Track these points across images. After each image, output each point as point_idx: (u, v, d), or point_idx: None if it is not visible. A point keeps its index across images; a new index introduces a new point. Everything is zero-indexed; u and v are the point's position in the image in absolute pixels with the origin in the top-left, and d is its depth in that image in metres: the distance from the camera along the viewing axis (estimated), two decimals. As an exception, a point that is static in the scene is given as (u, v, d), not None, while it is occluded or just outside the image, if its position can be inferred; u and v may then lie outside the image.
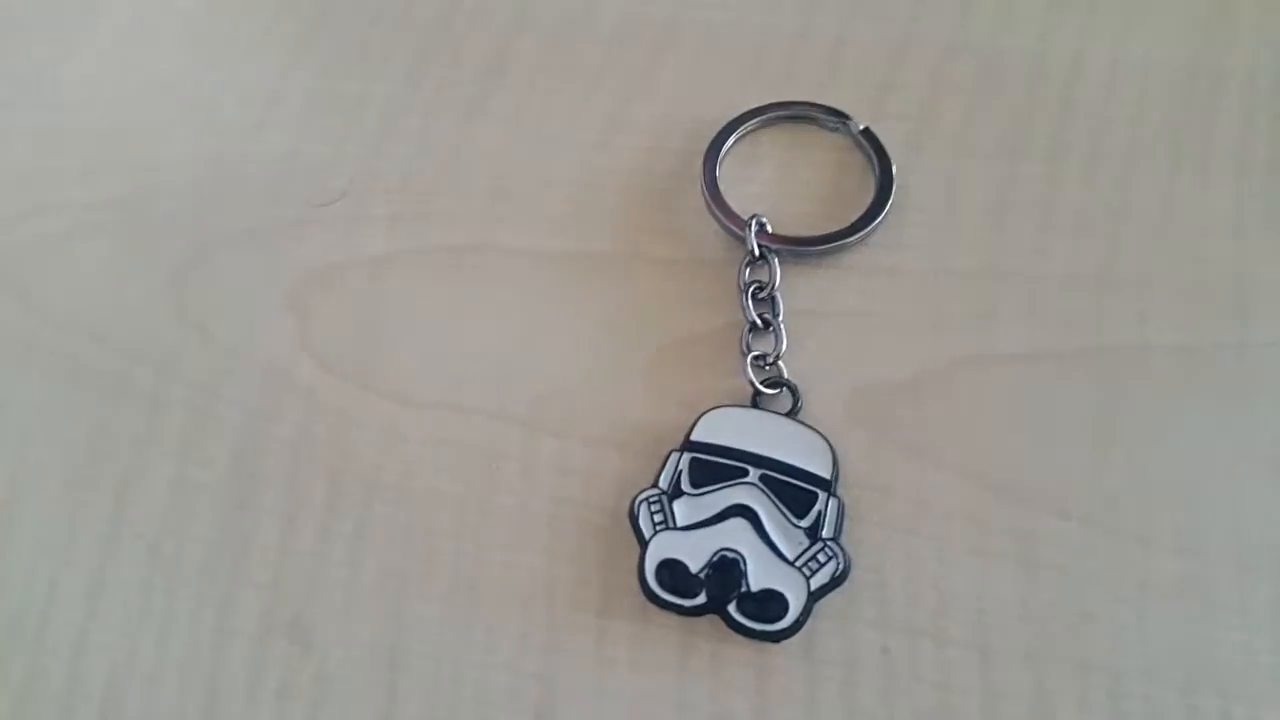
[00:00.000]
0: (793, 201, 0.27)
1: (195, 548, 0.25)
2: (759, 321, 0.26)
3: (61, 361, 0.27)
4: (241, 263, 0.27)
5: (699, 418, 0.25)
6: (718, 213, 0.27)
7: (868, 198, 0.27)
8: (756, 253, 0.26)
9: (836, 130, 0.28)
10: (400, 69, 0.30)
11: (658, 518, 0.24)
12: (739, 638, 0.23)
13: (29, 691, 0.24)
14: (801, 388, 0.25)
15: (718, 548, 0.23)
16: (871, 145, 0.28)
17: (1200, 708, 0.22)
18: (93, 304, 0.27)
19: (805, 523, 0.23)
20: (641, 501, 0.24)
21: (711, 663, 0.23)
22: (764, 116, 0.28)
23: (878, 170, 0.27)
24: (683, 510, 0.24)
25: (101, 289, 0.27)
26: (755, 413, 0.25)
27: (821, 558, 0.23)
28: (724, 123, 0.28)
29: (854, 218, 0.27)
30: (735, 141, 0.28)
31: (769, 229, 0.26)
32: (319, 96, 0.29)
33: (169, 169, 0.29)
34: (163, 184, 0.28)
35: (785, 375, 0.25)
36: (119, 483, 0.25)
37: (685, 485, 0.24)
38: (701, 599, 0.23)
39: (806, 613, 0.23)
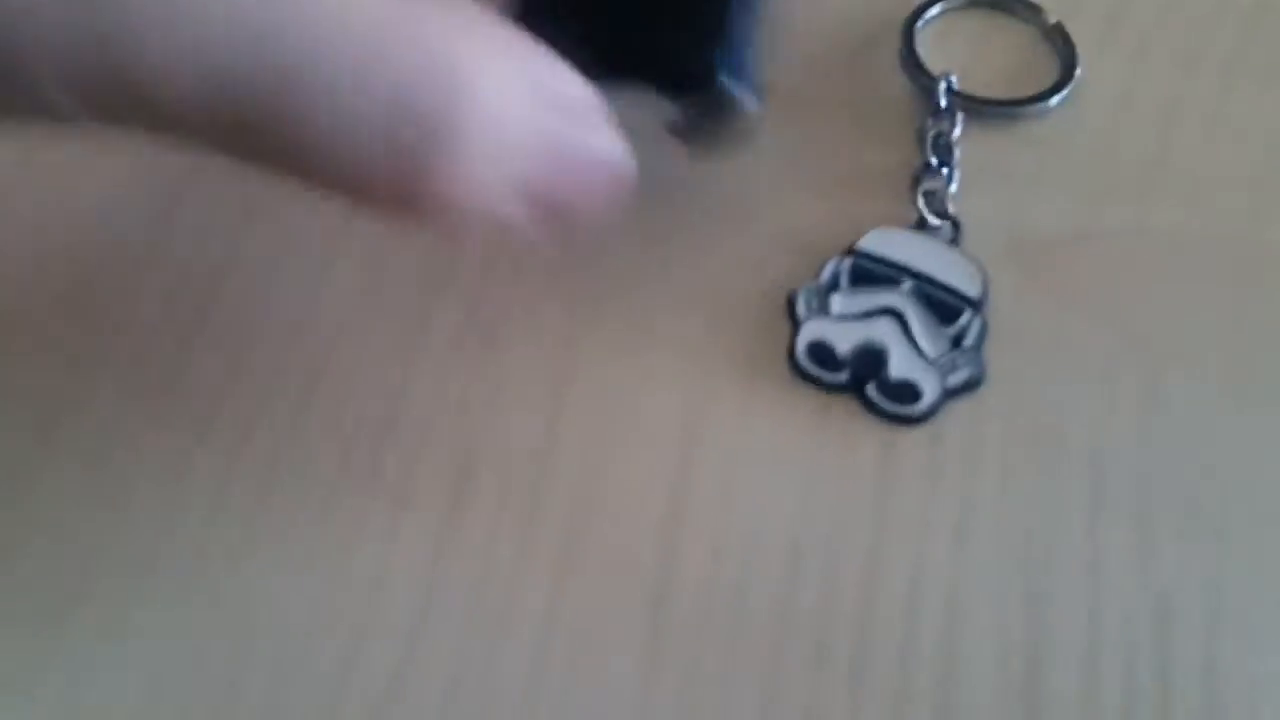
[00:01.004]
0: (979, 75, 0.30)
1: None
2: (934, 163, 0.28)
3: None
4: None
5: (865, 232, 0.27)
6: (911, 68, 0.29)
7: (1051, 81, 0.29)
8: (943, 104, 0.28)
9: (1029, 21, 0.30)
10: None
11: (813, 304, 0.26)
12: (873, 418, 0.25)
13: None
14: (964, 224, 0.27)
15: (864, 337, 0.25)
16: (1061, 37, 0.30)
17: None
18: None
19: (950, 332, 0.25)
20: (801, 292, 0.26)
21: (844, 436, 0.25)
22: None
23: (1062, 58, 0.29)
24: (838, 303, 0.26)
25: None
26: (917, 235, 0.27)
27: (960, 361, 0.25)
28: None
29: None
30: (932, 18, 0.30)
31: (956, 86, 0.29)
32: None
33: None
34: None
35: (951, 212, 0.27)
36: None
37: (843, 284, 0.26)
38: (844, 377, 0.25)
39: (938, 405, 0.25)
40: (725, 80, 0.23)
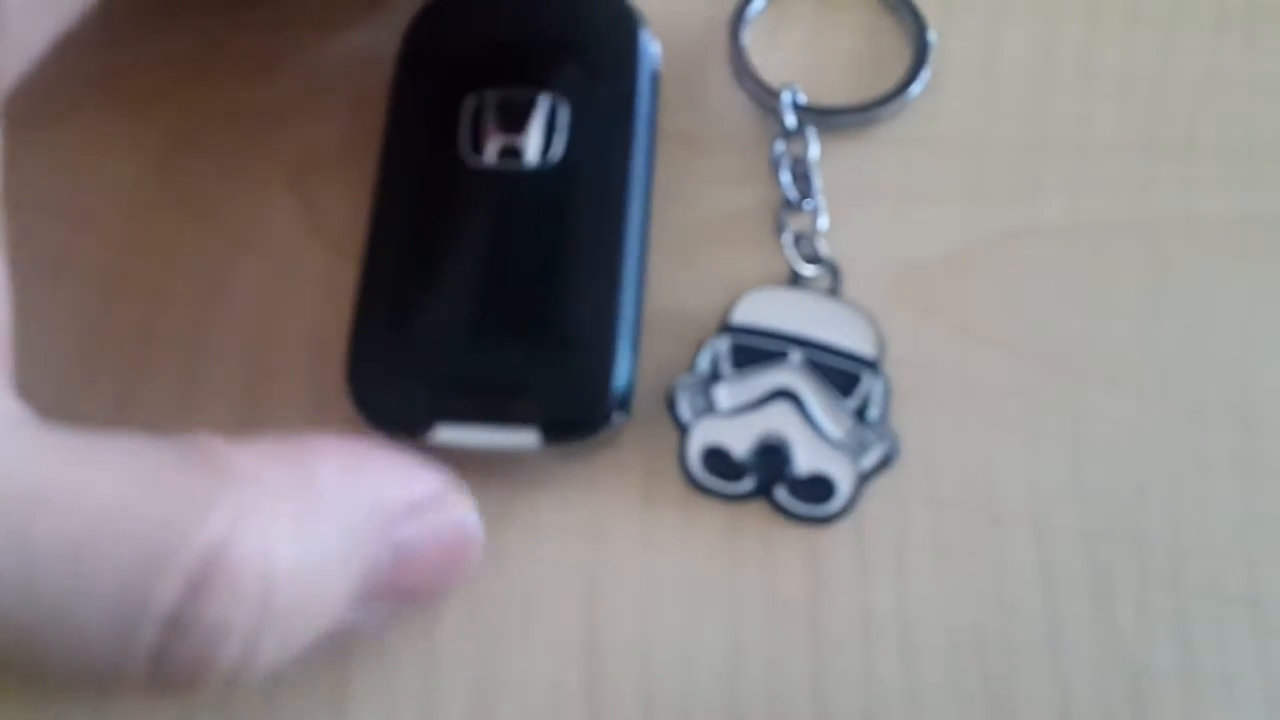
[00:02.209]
0: (824, 69, 0.26)
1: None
2: (794, 198, 0.25)
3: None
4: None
5: (736, 299, 0.24)
6: (747, 84, 0.25)
7: (903, 63, 0.26)
8: (791, 125, 0.25)
9: (868, -7, 0.27)
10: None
11: (698, 404, 0.23)
12: (787, 522, 0.22)
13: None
14: (841, 266, 0.24)
15: (762, 432, 0.22)
16: (905, 5, 0.26)
17: (1261, 579, 0.22)
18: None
19: (851, 403, 0.23)
20: (680, 388, 0.23)
21: (761, 548, 0.22)
22: (790, -22, 0.26)
23: (914, 32, 0.26)
24: (724, 395, 0.23)
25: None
26: (795, 292, 0.24)
27: (869, 439, 0.22)
28: (747, -14, 0.26)
29: (889, 84, 0.25)
30: (762, 6, 0.26)
31: (803, 100, 0.25)
32: None
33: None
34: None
35: (824, 253, 0.24)
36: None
37: (725, 369, 0.23)
38: (748, 484, 0.22)
39: (855, 496, 0.22)
40: (615, 416, 0.22)
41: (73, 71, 0.26)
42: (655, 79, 0.24)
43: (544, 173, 0.23)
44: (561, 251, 0.22)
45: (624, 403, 0.22)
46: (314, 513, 0.17)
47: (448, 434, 0.21)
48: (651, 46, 0.24)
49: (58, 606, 0.15)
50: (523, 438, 0.21)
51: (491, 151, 0.23)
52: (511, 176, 0.22)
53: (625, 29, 0.24)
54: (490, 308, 0.22)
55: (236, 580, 0.15)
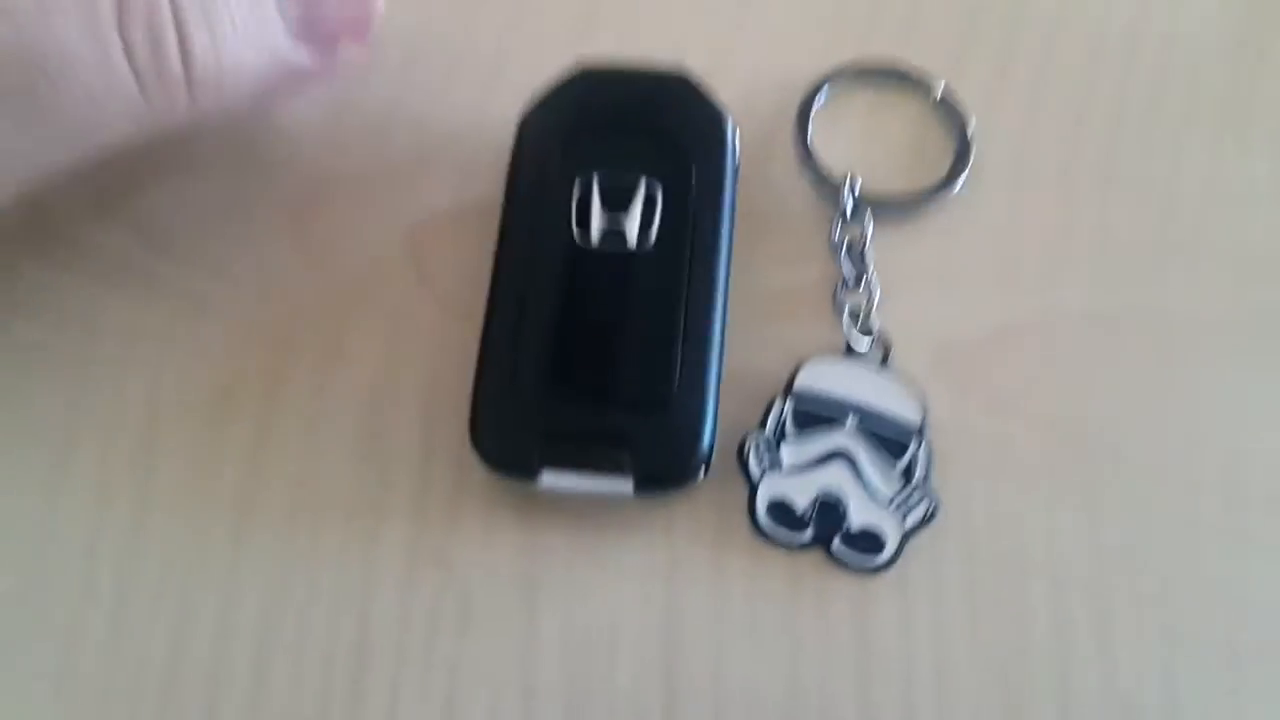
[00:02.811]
0: (878, 159, 0.29)
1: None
2: (851, 277, 0.28)
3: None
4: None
5: (798, 367, 0.27)
6: (811, 172, 0.28)
7: (948, 154, 0.29)
8: (849, 211, 0.28)
9: (917, 93, 0.30)
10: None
11: (766, 460, 0.26)
12: (841, 571, 0.25)
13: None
14: (891, 341, 0.27)
15: (821, 489, 0.26)
16: (949, 109, 0.29)
17: (1240, 631, 0.25)
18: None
19: (899, 466, 0.26)
20: (750, 445, 0.26)
21: (816, 594, 0.25)
22: (849, 76, 0.29)
23: (957, 130, 0.29)
24: (788, 453, 0.26)
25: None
26: (850, 363, 0.27)
27: (914, 499, 0.26)
28: (812, 81, 0.29)
29: (936, 175, 0.29)
30: (823, 101, 0.29)
31: (861, 188, 0.28)
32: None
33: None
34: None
35: (877, 329, 0.27)
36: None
37: (789, 429, 0.26)
38: (808, 536, 0.25)
39: (901, 549, 0.25)
40: (701, 472, 0.25)
41: (212, 133, 0.29)
42: (737, 169, 0.27)
43: (642, 254, 0.25)
44: (659, 324, 0.25)
45: (708, 460, 0.25)
46: None
47: (554, 479, 0.24)
48: (735, 139, 0.27)
49: (36, 30, 0.20)
50: (619, 486, 0.24)
51: (597, 229, 0.26)
52: (615, 257, 0.25)
53: (715, 123, 0.27)
54: (595, 371, 0.25)
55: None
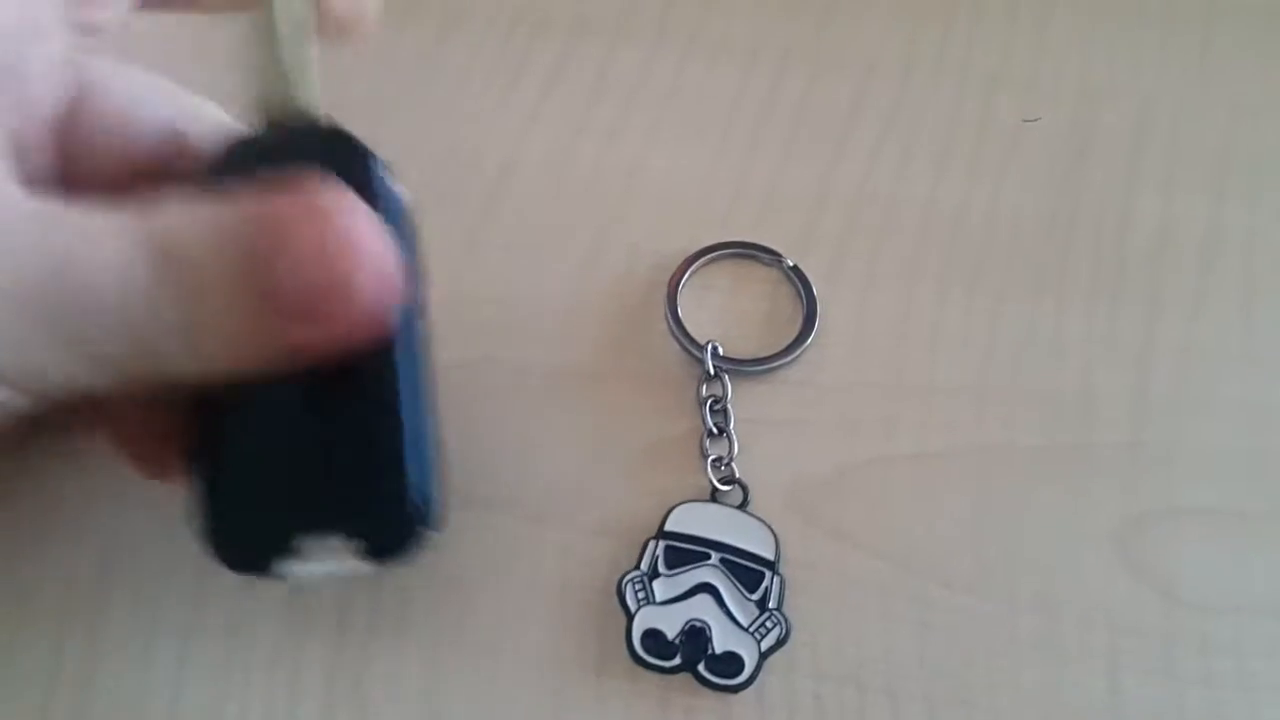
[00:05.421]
0: (738, 325, 0.34)
1: None
2: (715, 429, 0.32)
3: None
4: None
5: (670, 510, 0.31)
6: (680, 338, 0.33)
7: (798, 321, 0.34)
8: (712, 371, 0.32)
9: (771, 265, 0.35)
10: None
11: (640, 595, 0.30)
12: (706, 691, 0.29)
13: None
14: (749, 485, 0.32)
15: (688, 619, 0.30)
16: (799, 278, 0.34)
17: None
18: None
19: (756, 596, 0.30)
20: (627, 582, 0.30)
21: (685, 712, 0.29)
22: (713, 254, 0.34)
23: (804, 299, 0.34)
24: (660, 588, 0.30)
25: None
26: (714, 506, 0.31)
27: (769, 624, 0.30)
28: (680, 259, 0.34)
29: (787, 339, 0.33)
30: (691, 274, 0.34)
31: (721, 351, 0.33)
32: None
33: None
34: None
35: (736, 475, 0.32)
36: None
37: (661, 567, 0.30)
38: (677, 661, 0.29)
39: (758, 669, 0.29)
40: (423, 532, 0.25)
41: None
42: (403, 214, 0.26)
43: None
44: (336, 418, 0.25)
45: (428, 516, 0.25)
46: None
47: (292, 568, 0.25)
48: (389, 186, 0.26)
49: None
50: (355, 567, 0.25)
51: None
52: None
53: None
54: (295, 476, 0.25)
55: None
